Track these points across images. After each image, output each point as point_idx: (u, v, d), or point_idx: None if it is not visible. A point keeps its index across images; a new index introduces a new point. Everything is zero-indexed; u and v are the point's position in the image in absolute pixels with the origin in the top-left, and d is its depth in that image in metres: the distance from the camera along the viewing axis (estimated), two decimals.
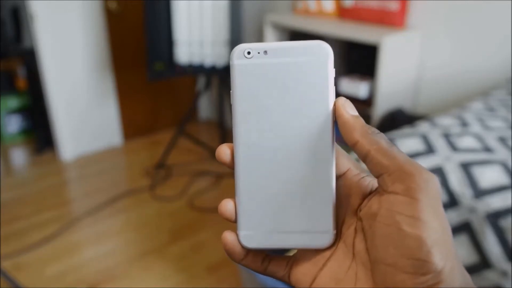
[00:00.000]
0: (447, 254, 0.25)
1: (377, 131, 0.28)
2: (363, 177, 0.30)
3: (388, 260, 0.26)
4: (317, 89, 0.29)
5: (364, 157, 0.28)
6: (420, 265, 0.24)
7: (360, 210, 0.29)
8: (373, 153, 0.27)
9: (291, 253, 0.32)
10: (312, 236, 0.30)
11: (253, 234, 0.30)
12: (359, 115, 0.29)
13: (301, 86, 0.29)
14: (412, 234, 0.25)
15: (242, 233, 0.30)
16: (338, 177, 0.31)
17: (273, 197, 0.30)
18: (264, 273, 0.31)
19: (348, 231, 0.30)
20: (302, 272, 0.30)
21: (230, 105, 0.30)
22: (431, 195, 0.25)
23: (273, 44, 0.29)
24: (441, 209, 0.26)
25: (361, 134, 0.28)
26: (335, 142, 0.30)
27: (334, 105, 0.29)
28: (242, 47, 0.30)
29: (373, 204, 0.28)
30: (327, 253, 0.30)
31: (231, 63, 0.30)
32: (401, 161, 0.26)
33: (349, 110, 0.29)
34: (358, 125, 0.28)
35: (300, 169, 0.29)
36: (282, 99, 0.29)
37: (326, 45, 0.29)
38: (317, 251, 0.30)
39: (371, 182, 0.30)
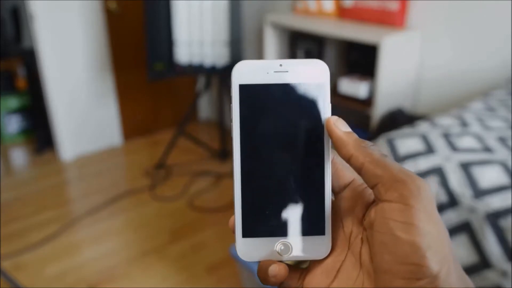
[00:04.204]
0: (443, 258, 0.25)
1: (370, 143, 0.29)
2: (366, 187, 0.31)
3: (385, 267, 0.26)
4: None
5: (359, 170, 0.28)
6: (415, 270, 0.24)
7: (364, 220, 0.30)
8: (367, 164, 0.27)
9: (304, 265, 0.32)
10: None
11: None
12: (351, 131, 0.29)
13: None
14: (406, 240, 0.25)
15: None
16: (343, 188, 0.32)
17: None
18: (280, 285, 0.31)
19: (356, 241, 0.30)
20: (315, 284, 0.30)
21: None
22: (425, 200, 0.25)
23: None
24: (436, 213, 0.26)
25: (354, 148, 0.28)
26: (335, 156, 0.31)
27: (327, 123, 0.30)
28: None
29: (371, 213, 0.28)
30: (338, 264, 0.30)
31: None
32: (394, 171, 0.27)
33: (341, 127, 0.29)
34: (351, 140, 0.29)
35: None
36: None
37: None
38: (328, 263, 0.30)
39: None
